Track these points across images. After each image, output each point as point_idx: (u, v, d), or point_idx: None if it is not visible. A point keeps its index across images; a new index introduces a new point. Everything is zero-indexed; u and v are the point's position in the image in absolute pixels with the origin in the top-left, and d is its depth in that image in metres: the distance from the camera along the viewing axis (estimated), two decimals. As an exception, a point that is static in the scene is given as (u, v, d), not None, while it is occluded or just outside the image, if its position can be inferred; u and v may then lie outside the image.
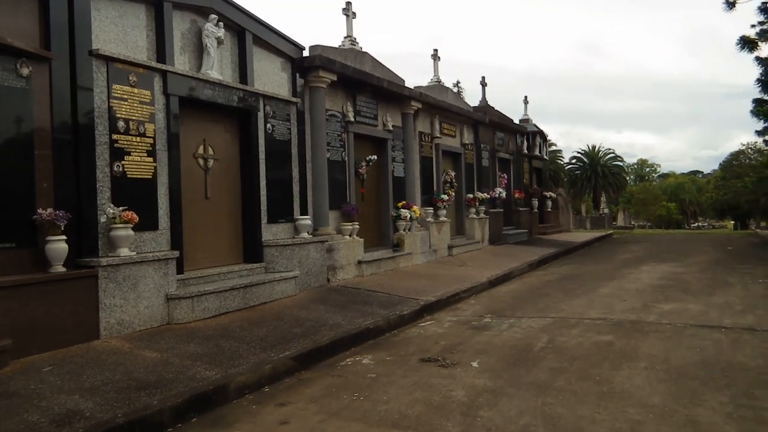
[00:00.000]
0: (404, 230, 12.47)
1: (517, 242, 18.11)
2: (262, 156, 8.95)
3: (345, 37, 11.79)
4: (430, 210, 13.84)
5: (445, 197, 14.36)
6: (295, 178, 9.65)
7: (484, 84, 19.15)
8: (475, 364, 5.78)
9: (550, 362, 5.73)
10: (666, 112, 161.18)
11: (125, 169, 6.81)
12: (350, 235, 10.71)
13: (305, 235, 9.50)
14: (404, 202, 12.64)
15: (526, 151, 21.61)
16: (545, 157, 24.36)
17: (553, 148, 63.99)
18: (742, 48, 30.76)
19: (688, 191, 75.95)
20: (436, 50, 15.42)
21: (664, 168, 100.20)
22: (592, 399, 4.66)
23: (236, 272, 8.28)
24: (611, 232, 25.69)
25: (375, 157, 11.99)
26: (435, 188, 14.54)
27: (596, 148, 68.10)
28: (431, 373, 5.54)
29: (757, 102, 31.23)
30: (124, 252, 6.46)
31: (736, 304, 8.14)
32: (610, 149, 69.39)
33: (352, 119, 11.07)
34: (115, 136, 6.72)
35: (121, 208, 6.47)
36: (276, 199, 9.16)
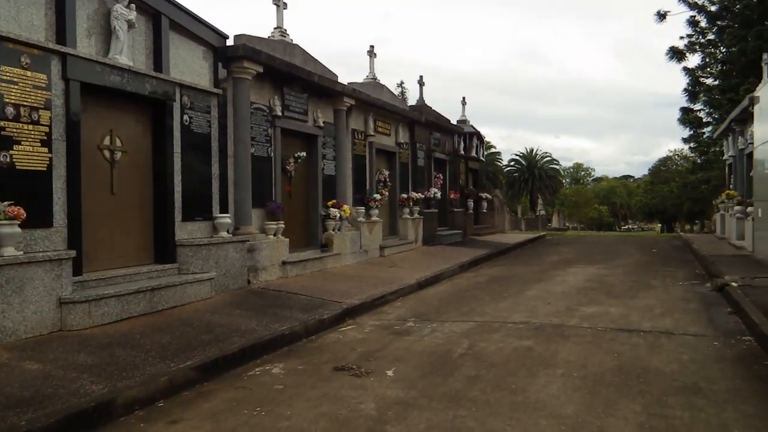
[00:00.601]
0: (334, 230, 12.11)
1: (451, 243, 18.05)
2: (177, 149, 8.40)
3: (275, 28, 11.33)
4: (362, 209, 13.54)
5: (378, 197, 14.09)
6: (215, 173, 9.13)
7: (421, 83, 19.03)
8: (390, 373, 5.50)
9: (467, 370, 5.51)
10: (601, 118, 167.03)
11: (13, 160, 6.17)
12: (275, 235, 10.27)
13: (224, 234, 9.01)
14: (334, 201, 12.28)
15: (462, 152, 21.63)
16: (482, 158, 24.49)
17: (493, 150, 65.08)
18: (671, 58, 31.98)
19: (620, 195, 78.90)
20: (372, 47, 15.16)
21: (599, 172, 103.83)
22: (505, 410, 4.44)
23: (144, 274, 7.72)
24: (544, 233, 26.12)
25: (304, 153, 11.57)
26: (368, 187, 14.25)
27: (533, 152, 69.81)
28: (343, 384, 5.21)
29: (684, 110, 32.55)
30: (9, 251, 5.83)
31: (656, 307, 8.20)
32: (546, 153, 71.24)
33: (280, 113, 10.63)
34: (1, 123, 6.08)
35: (6, 203, 5.85)
36: (192, 195, 8.63)
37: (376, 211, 14.06)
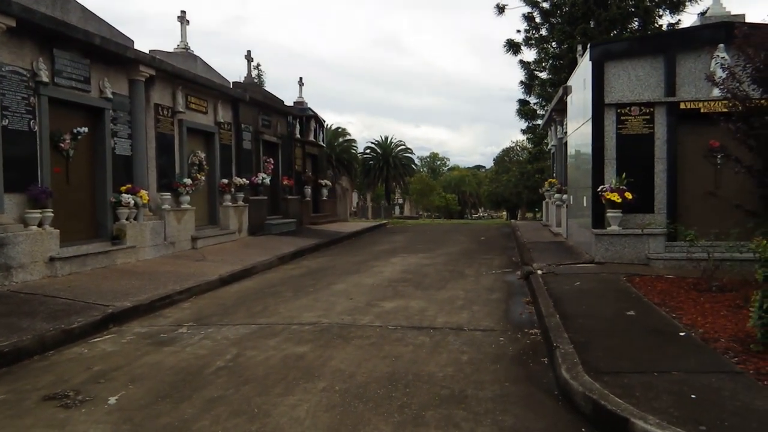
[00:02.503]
0: (128, 219, 10.55)
1: (281, 233, 17.00)
2: None
3: (46, -21, 9.48)
4: (168, 196, 12.03)
5: (189, 181, 12.65)
6: (-61, 149, 7.29)
7: (249, 59, 17.74)
8: (112, 400, 4.37)
9: (213, 389, 4.54)
10: (457, 109, 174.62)
11: None
12: (39, 226, 8.58)
13: (-44, 225, 7.23)
14: (130, 185, 10.71)
15: (298, 136, 20.59)
16: (321, 143, 23.64)
17: (348, 137, 64.78)
18: (508, 50, 33.17)
19: (469, 184, 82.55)
20: (183, 12, 13.61)
21: (456, 162, 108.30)
22: (228, 447, 3.52)
23: None
24: (386, 222, 25.98)
25: (86, 129, 9.88)
26: (178, 171, 12.75)
27: (388, 140, 70.64)
28: (39, 419, 4.02)
29: (521, 102, 34.05)
30: None
31: (459, 299, 7.79)
32: (401, 141, 72.39)
33: (47, 80, 8.87)
34: None
35: None
36: None
37: (188, 198, 12.62)
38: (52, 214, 8.78)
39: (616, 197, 9.55)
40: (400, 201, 74.43)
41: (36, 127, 8.81)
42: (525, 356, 5.17)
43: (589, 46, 10.40)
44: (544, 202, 21.69)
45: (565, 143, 15.35)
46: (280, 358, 5.29)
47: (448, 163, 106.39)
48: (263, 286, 9.43)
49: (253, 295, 8.54)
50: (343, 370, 4.90)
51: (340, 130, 62.97)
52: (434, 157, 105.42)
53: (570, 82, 13.61)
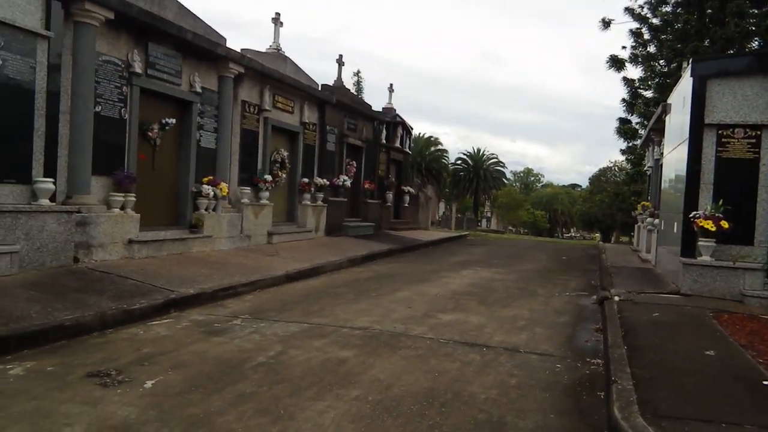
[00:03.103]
0: (207, 210, 10.89)
1: (358, 235, 17.02)
2: (-20, 94, 7.04)
3: (147, -24, 9.98)
4: (248, 190, 12.33)
5: (269, 178, 12.91)
6: (38, 129, 7.76)
7: (340, 63, 17.94)
8: (149, 384, 4.41)
9: (248, 384, 4.47)
10: (556, 125, 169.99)
11: None
12: (122, 209, 8.99)
13: (44, 201, 7.68)
14: (211, 177, 11.06)
15: (384, 141, 20.64)
16: (407, 150, 23.57)
17: (440, 147, 64.53)
18: (611, 67, 31.74)
19: (561, 202, 79.80)
20: (278, 14, 13.94)
21: (552, 179, 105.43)
22: (243, 446, 3.42)
23: None
24: (467, 233, 25.49)
25: (174, 120, 10.30)
26: (260, 167, 13.05)
27: (481, 152, 69.70)
28: (76, 395, 4.11)
29: (622, 121, 32.46)
30: None
31: (522, 319, 7.37)
32: (493, 154, 71.15)
33: (140, 71, 9.32)
34: None
35: None
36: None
37: (267, 194, 12.89)
38: (135, 199, 9.18)
39: (710, 225, 8.73)
40: (488, 214, 73.02)
41: (126, 116, 9.27)
42: (580, 387, 4.74)
43: (691, 61, 9.63)
44: (636, 226, 20.45)
45: (661, 165, 14.36)
46: (322, 361, 5.16)
47: (542, 179, 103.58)
48: (327, 286, 9.40)
49: (314, 294, 8.52)
50: (381, 380, 4.69)
51: (432, 139, 62.80)
52: (528, 172, 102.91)
53: (670, 100, 12.70)
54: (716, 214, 8.80)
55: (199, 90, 10.78)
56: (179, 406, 4.01)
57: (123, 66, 9.12)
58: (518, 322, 7.20)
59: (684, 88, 10.26)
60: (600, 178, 64.26)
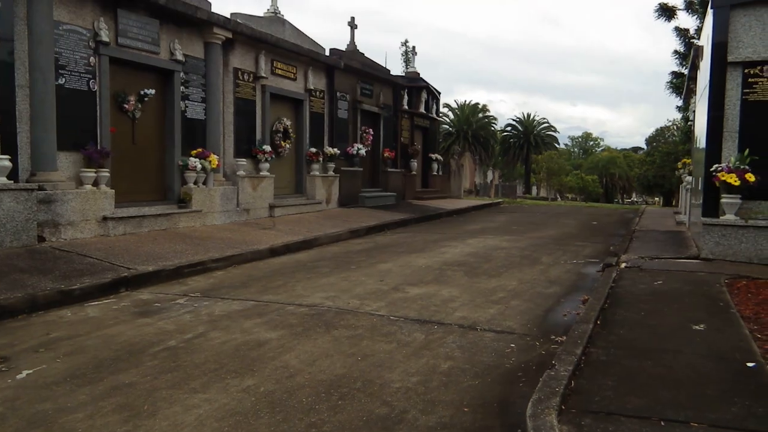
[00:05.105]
0: (195, 184, 10.47)
1: (376, 206, 16.36)
2: None
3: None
4: (243, 162, 11.84)
5: (268, 148, 12.37)
6: (-9, 105, 7.44)
7: (353, 26, 17.11)
8: (23, 374, 3.97)
9: (133, 373, 3.96)
10: (620, 87, 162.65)
11: None
12: (94, 185, 8.65)
13: (2, 179, 7.38)
14: (200, 150, 10.60)
15: (406, 107, 19.75)
16: (434, 115, 22.56)
17: (488, 113, 62.70)
18: (660, 16, 29.45)
19: (620, 166, 76.27)
20: (274, -24, 13.22)
21: (615, 143, 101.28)
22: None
23: None
24: (500, 201, 24.40)
25: (153, 91, 9.84)
26: (258, 137, 12.52)
27: (530, 117, 67.25)
28: (-68, 388, 3.67)
29: (674, 75, 30.18)
30: None
31: (503, 290, 6.58)
32: (544, 118, 68.47)
33: (107, 39, 8.86)
34: None
35: None
36: (-54, 130, 6.98)
37: (267, 165, 12.37)
38: (108, 174, 8.81)
39: (733, 179, 7.62)
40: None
41: (96, 88, 8.85)
42: (522, 373, 3.98)
43: (712, -10, 8.38)
44: (680, 186, 18.94)
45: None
46: (238, 344, 4.59)
47: (601, 143, 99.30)
48: (312, 259, 8.83)
49: (288, 269, 7.97)
50: (290, 367, 4.08)
51: (480, 106, 60.96)
52: (587, 137, 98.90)
53: (701, 42, 11.34)
54: (741, 167, 7.68)
55: (180, 58, 10.27)
56: (35, 400, 3.52)
57: (89, 35, 8.68)
58: (497, 294, 6.42)
59: (708, 23, 9.01)
60: (657, 138, 60.87)
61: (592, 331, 4.45)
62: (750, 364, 3.76)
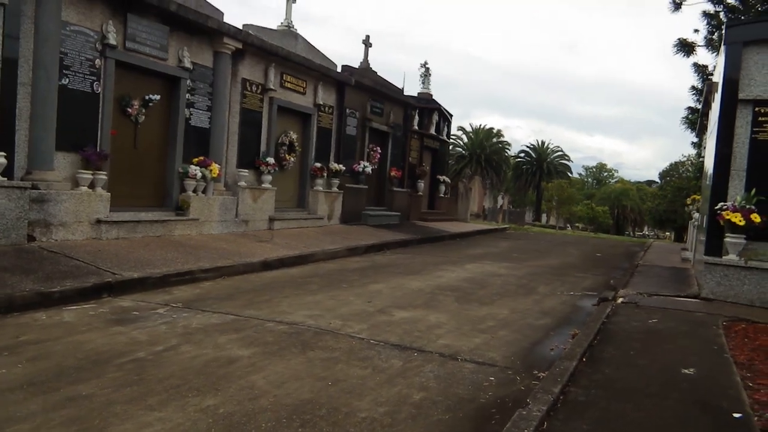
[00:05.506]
0: (194, 192, 10.39)
1: (379, 225, 16.22)
2: None
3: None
4: (245, 173, 11.77)
5: (271, 161, 12.31)
6: (-10, 101, 7.42)
7: (367, 44, 17.12)
8: (-20, 377, 3.82)
9: (92, 385, 3.82)
10: (639, 120, 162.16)
11: None
12: (90, 187, 8.59)
13: (-5, 177, 7.33)
14: (202, 158, 10.55)
15: (417, 128, 19.68)
16: (444, 137, 22.48)
17: (501, 139, 62.77)
18: (678, 51, 29.31)
19: (632, 198, 75.71)
20: (288, -10, 13.27)
21: (631, 176, 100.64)
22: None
23: None
24: (507, 226, 24.18)
25: (158, 97, 9.83)
26: (263, 149, 12.47)
27: (545, 144, 67.26)
28: None
29: (689, 111, 29.95)
30: None
31: (493, 319, 6.39)
32: (558, 147, 68.50)
33: (115, 43, 8.86)
34: None
35: None
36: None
37: (269, 177, 12.30)
38: (105, 177, 8.75)
39: (738, 218, 7.41)
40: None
41: (100, 90, 8.84)
42: (497, 409, 3.79)
43: (725, 26, 8.24)
44: (690, 223, 18.66)
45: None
46: (207, 360, 4.44)
47: (615, 174, 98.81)
48: (304, 275, 8.69)
49: (278, 284, 7.82)
50: (255, 388, 3.92)
51: (495, 131, 61.03)
52: (601, 167, 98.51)
53: (715, 78, 11.18)
54: (747, 206, 7.47)
55: (188, 66, 10.26)
56: (-19, 409, 3.39)
57: (96, 37, 8.69)
58: (486, 322, 6.23)
59: (721, 60, 8.86)
60: (671, 172, 60.41)
61: (576, 369, 4.26)
62: (736, 415, 3.55)
